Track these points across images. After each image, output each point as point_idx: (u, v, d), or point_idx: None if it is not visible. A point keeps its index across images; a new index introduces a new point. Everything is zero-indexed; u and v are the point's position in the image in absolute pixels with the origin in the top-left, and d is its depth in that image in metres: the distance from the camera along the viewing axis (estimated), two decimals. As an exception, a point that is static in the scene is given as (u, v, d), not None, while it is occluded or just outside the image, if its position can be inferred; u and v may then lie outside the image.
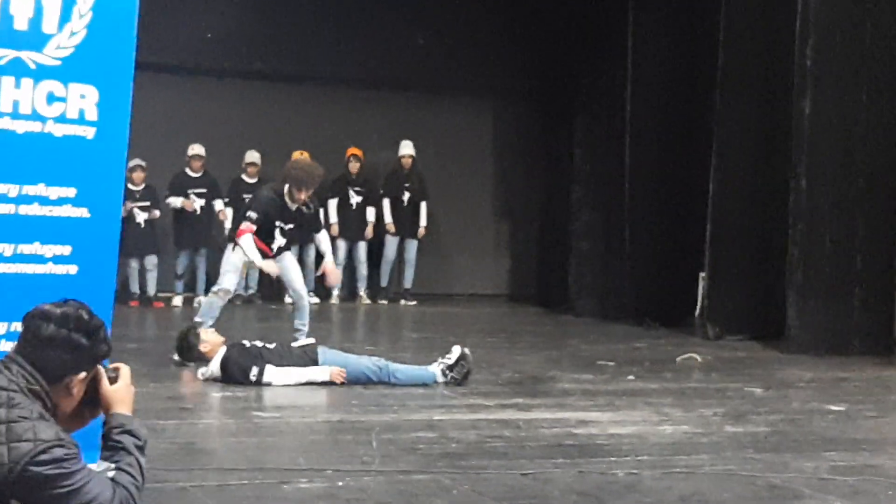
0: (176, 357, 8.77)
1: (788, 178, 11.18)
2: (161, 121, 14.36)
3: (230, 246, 9.54)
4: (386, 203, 15.44)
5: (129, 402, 3.37)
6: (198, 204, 14.35)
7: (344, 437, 6.48)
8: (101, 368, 3.37)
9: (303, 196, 9.31)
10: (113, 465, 3.23)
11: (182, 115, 15.09)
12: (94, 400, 3.36)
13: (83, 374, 3.28)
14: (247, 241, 9.11)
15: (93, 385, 3.36)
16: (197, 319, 9.33)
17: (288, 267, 9.64)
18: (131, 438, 3.29)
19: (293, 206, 9.37)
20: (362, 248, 15.46)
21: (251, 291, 14.74)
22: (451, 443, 6.40)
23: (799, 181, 11.06)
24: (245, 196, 14.50)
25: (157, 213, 14.21)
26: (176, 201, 14.27)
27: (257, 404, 7.56)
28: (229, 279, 9.46)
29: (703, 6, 13.02)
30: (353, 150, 15.22)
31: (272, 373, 8.11)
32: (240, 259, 9.36)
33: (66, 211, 4.89)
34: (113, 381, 3.41)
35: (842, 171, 11.05)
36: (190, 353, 8.48)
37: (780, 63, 11.66)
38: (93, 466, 3.28)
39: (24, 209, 4.79)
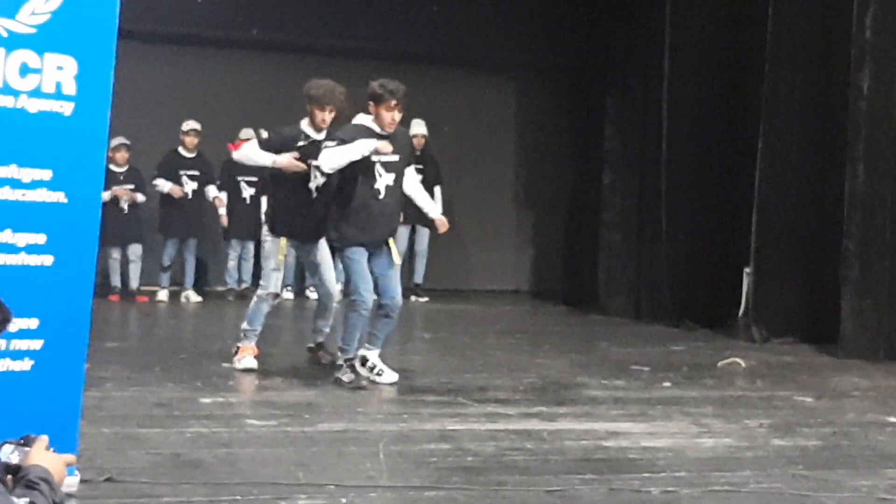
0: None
1: (844, 163, 11.14)
2: (147, 95, 14.40)
3: (264, 234, 9.18)
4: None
5: (57, 473, 3.31)
6: (189, 188, 14.37)
7: (348, 449, 6.49)
8: (45, 437, 3.35)
9: (326, 116, 8.88)
10: (26, 501, 3.18)
11: (171, 88, 15.12)
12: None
13: None
14: (247, 147, 8.89)
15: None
16: (245, 326, 9.02)
17: (320, 256, 9.21)
18: (50, 491, 3.23)
19: (318, 135, 8.90)
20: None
21: (245, 285, 14.76)
22: (467, 456, 6.40)
23: (856, 166, 11.02)
24: (239, 178, 14.59)
25: (141, 197, 14.23)
26: (164, 185, 14.26)
27: (251, 410, 7.56)
28: (275, 280, 9.06)
29: (751, -29, 12.99)
30: (360, 130, 15.21)
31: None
32: (275, 251, 9.04)
33: (41, 195, 4.89)
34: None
35: (904, 156, 11.02)
36: None
37: (835, 35, 11.61)
38: None
39: (-5, 193, 4.81)
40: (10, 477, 3.20)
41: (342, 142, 8.32)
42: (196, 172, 14.42)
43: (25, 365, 4.95)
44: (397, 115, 8.38)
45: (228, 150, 8.95)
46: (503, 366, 9.86)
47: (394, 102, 8.31)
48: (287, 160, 8.82)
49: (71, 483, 4.98)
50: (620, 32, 14.96)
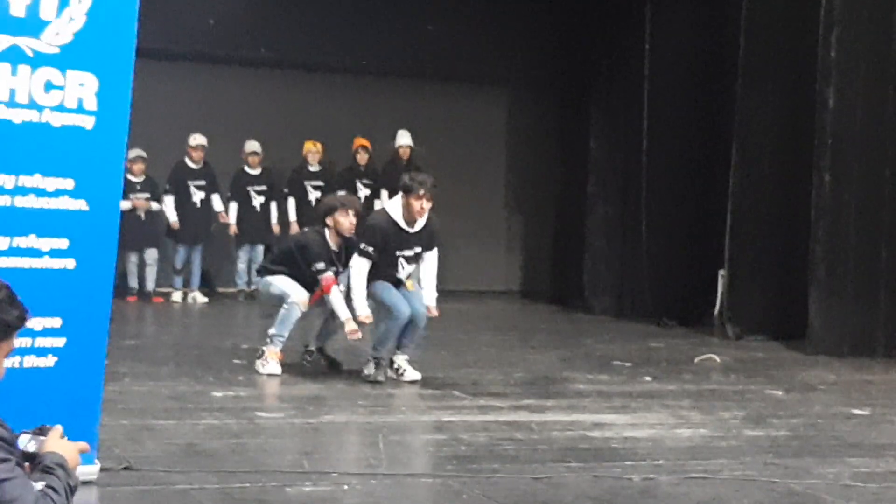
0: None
1: (811, 172, 11.15)
2: (162, 110, 14.35)
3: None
4: (384, 195, 15.34)
5: (71, 459, 3.29)
6: (197, 197, 14.36)
7: (350, 439, 6.51)
8: (59, 427, 3.34)
9: (350, 220, 8.79)
10: (43, 484, 3.18)
11: (185, 103, 15.08)
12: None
13: None
14: (336, 296, 8.59)
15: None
16: (272, 332, 8.72)
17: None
18: (65, 476, 3.22)
19: (336, 247, 8.83)
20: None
21: (254, 287, 14.70)
22: (461, 445, 6.40)
23: (822, 175, 11.03)
24: (249, 188, 14.58)
25: (156, 205, 14.21)
26: (171, 213, 14.22)
27: (260, 403, 7.57)
28: (296, 289, 8.78)
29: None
30: (360, 141, 15.19)
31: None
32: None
33: (64, 203, 4.89)
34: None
35: (867, 165, 11.01)
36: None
37: (803, 53, 11.62)
38: None
39: (20, 201, 4.81)
40: (28, 464, 3.20)
41: (367, 239, 8.50)
42: (203, 182, 14.40)
43: (49, 361, 4.95)
44: (426, 204, 8.48)
45: (325, 288, 8.76)
46: (495, 361, 9.87)
47: (422, 192, 8.42)
48: (352, 329, 8.53)
49: (91, 471, 4.98)
50: (604, 49, 14.95)
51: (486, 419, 7.19)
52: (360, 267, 8.46)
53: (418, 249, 8.65)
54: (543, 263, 16.77)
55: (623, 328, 12.97)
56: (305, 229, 10.06)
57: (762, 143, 12.09)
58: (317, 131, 15.10)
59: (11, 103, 4.74)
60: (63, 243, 4.92)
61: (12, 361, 4.73)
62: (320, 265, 8.67)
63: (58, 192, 4.87)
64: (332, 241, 8.85)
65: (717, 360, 10.31)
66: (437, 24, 15.84)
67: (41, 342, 4.91)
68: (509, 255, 17.25)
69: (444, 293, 15.62)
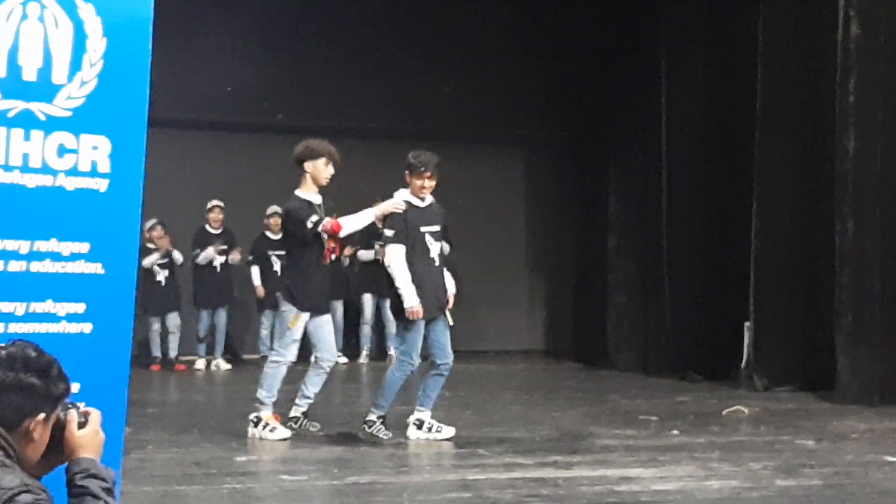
0: None
1: (833, 220, 11.08)
2: (181, 178, 14.46)
3: (284, 307, 8.64)
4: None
5: (94, 448, 3.28)
6: (218, 261, 14.38)
7: (374, 499, 6.41)
8: (73, 412, 3.30)
9: (330, 171, 8.69)
10: None
11: (203, 171, 15.17)
12: (59, 444, 3.29)
13: (41, 416, 3.19)
14: (345, 219, 8.59)
15: (59, 429, 3.28)
16: (261, 394, 8.48)
17: (322, 325, 8.67)
18: (97, 482, 3.20)
19: (318, 200, 8.70)
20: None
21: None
22: (487, 503, 6.31)
23: (844, 223, 10.96)
24: (270, 252, 14.56)
25: (178, 257, 14.26)
26: (206, 254, 14.26)
27: (283, 467, 7.48)
28: (293, 350, 8.56)
29: (740, 46, 13.00)
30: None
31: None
32: (295, 319, 8.52)
33: (80, 267, 4.85)
34: (82, 425, 3.33)
35: (888, 211, 10.95)
36: None
37: (821, 101, 11.60)
38: None
39: (36, 266, 4.76)
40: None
41: (389, 224, 8.55)
42: (224, 246, 14.43)
43: (68, 427, 4.90)
44: (428, 183, 8.59)
45: (334, 229, 8.59)
46: (520, 419, 9.77)
47: (423, 170, 8.54)
48: (387, 205, 8.63)
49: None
50: (620, 106, 14.96)
51: (512, 476, 7.10)
52: (396, 254, 8.39)
53: (437, 227, 8.63)
54: (566, 321, 16.70)
55: (648, 384, 12.85)
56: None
57: (782, 192, 12.04)
58: (334, 195, 15.08)
59: (25, 168, 4.71)
60: (80, 307, 4.87)
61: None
62: (314, 219, 8.52)
63: (73, 256, 4.84)
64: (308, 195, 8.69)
65: (746, 411, 10.20)
66: (453, 86, 15.91)
67: (59, 408, 4.86)
68: (532, 314, 17.20)
69: (467, 354, 15.64)
